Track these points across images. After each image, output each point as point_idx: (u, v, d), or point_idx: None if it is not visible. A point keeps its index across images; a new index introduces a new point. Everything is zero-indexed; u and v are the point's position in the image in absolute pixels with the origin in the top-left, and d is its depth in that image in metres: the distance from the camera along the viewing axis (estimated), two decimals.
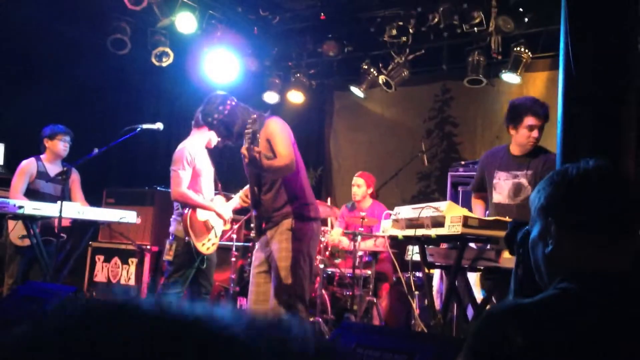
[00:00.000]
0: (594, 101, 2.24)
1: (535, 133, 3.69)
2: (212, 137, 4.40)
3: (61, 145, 4.91)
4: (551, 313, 1.30)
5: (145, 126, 4.42)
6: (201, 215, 4.28)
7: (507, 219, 3.36)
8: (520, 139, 3.74)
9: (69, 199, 4.79)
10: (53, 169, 4.95)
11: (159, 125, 4.47)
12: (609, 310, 1.31)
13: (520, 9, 5.58)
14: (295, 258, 3.47)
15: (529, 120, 3.67)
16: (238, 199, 4.49)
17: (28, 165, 4.89)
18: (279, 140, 3.48)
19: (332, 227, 5.47)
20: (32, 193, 4.81)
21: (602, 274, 1.36)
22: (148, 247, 5.68)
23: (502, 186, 3.82)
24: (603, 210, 1.38)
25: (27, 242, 4.58)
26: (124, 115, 5.68)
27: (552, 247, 1.38)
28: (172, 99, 6.86)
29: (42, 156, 4.97)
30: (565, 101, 2.32)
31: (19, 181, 4.82)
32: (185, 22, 6.07)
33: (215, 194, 4.52)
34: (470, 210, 3.68)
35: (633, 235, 1.42)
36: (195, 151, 4.30)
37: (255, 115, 3.37)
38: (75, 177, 5.02)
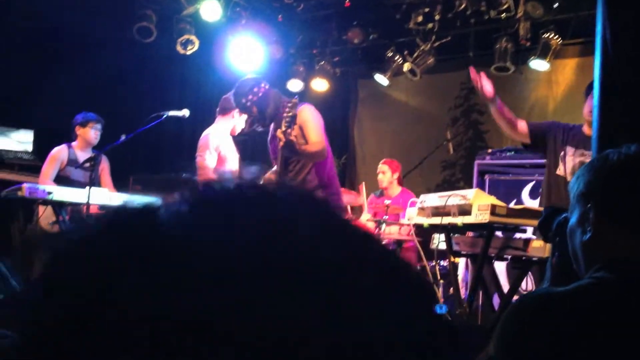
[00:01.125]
0: (631, 88, 2.18)
1: (590, 116, 3.53)
2: (236, 124, 4.41)
3: (92, 132, 4.95)
4: (586, 302, 1.28)
5: (171, 113, 4.44)
6: None
7: (537, 207, 3.31)
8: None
9: (99, 185, 4.84)
10: (83, 156, 4.99)
11: (185, 112, 4.48)
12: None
13: None
14: None
15: (589, 102, 3.35)
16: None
17: (59, 152, 4.94)
18: (312, 126, 3.48)
19: (360, 212, 5.46)
20: (62, 180, 4.87)
21: (637, 263, 1.33)
22: None
23: (569, 161, 3.58)
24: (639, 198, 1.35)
25: (56, 228, 4.64)
26: (150, 103, 5.70)
27: (590, 235, 1.35)
28: (197, 86, 6.87)
29: (73, 143, 5.01)
30: (601, 88, 2.26)
31: (49, 167, 4.88)
32: (210, 9, 6.08)
33: None
34: (497, 199, 3.61)
35: None
36: (220, 138, 4.32)
37: (295, 99, 3.38)
38: (104, 164, 5.07)
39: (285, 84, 6.97)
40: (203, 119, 5.16)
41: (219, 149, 4.29)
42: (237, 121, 4.43)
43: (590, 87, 3.48)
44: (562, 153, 3.57)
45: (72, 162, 4.95)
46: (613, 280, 1.33)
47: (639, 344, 1.21)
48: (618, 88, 2.19)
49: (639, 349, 1.21)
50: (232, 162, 4.44)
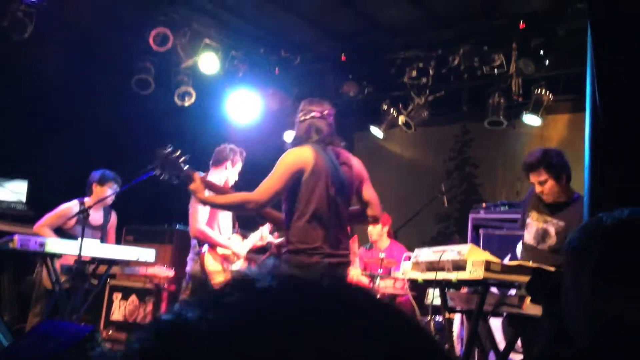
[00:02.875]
0: (621, 147, 2.21)
1: (540, 187, 3.67)
2: (229, 176, 4.42)
3: (109, 192, 4.83)
4: None
5: None
6: (221, 251, 4.28)
7: (530, 264, 3.29)
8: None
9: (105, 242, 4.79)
10: (95, 214, 4.81)
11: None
12: None
13: (541, 52, 5.60)
14: None
15: (532, 178, 3.69)
16: (256, 237, 4.48)
17: (69, 210, 4.75)
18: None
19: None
20: (67, 236, 4.69)
21: (635, 326, 1.32)
22: (165, 285, 5.66)
23: (532, 227, 3.76)
24: (635, 261, 1.35)
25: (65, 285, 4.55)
26: (146, 154, 5.73)
27: (586, 298, 1.34)
28: (194, 138, 6.92)
29: (85, 199, 4.87)
30: (592, 147, 2.29)
31: (55, 219, 4.72)
32: (208, 62, 6.18)
33: (233, 232, 4.52)
34: (492, 253, 3.61)
35: None
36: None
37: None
38: (113, 221, 5.05)
39: (281, 135, 7.03)
40: (199, 170, 5.17)
41: None
42: (229, 172, 4.44)
43: (527, 166, 3.65)
44: (527, 219, 3.72)
45: (80, 219, 4.73)
46: (614, 345, 1.32)
47: None
48: (608, 152, 2.22)
49: None
50: (225, 214, 4.43)
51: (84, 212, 4.34)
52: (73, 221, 4.74)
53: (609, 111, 2.18)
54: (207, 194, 3.46)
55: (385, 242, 5.52)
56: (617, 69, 2.34)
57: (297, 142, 3.34)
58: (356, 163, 3.44)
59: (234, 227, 4.54)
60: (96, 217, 4.86)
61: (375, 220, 3.62)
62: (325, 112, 3.37)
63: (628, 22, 2.35)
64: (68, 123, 5.79)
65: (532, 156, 3.75)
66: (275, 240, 4.53)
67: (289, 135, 7.00)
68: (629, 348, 1.29)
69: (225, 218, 4.44)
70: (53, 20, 5.37)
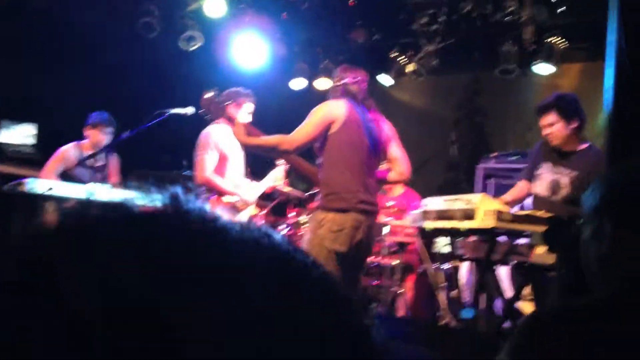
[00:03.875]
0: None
1: (548, 130, 3.70)
2: (240, 117, 4.38)
3: (102, 136, 4.88)
4: (603, 318, 1.26)
5: (174, 111, 4.39)
6: (227, 199, 4.28)
7: (541, 213, 3.29)
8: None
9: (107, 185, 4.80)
10: (96, 159, 4.89)
11: (188, 110, 4.44)
12: None
13: None
14: (311, 251, 3.42)
15: (542, 120, 3.75)
16: (269, 182, 4.48)
17: (67, 152, 4.86)
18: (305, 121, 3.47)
19: None
20: (69, 180, 4.78)
21: None
22: None
23: (544, 179, 3.76)
24: None
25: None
26: (153, 100, 5.67)
27: (606, 249, 1.34)
28: (201, 83, 6.83)
29: (82, 142, 4.94)
30: (615, 96, 2.24)
31: (54, 165, 4.81)
32: (214, 5, 6.05)
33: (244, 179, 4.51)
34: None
35: None
36: (221, 135, 4.29)
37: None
38: (114, 163, 5.04)
39: (288, 82, 6.95)
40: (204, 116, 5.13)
41: (219, 147, 4.27)
42: (241, 117, 4.40)
43: (539, 109, 3.69)
44: (537, 171, 3.74)
45: (81, 162, 4.89)
46: (631, 295, 1.32)
47: None
48: (631, 98, 2.18)
49: None
50: (236, 160, 4.41)
51: (94, 156, 4.35)
52: (74, 164, 4.81)
53: (634, 57, 2.13)
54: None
55: (399, 189, 5.54)
56: None
57: (331, 99, 3.58)
58: (385, 123, 3.67)
59: (245, 174, 4.54)
60: (97, 159, 4.90)
61: (403, 178, 3.77)
62: (359, 78, 3.61)
63: None
64: (75, 68, 5.72)
65: (547, 99, 3.78)
66: (285, 188, 4.53)
67: (296, 83, 6.94)
68: None
69: (236, 164, 4.42)
70: None
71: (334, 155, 3.43)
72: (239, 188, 4.37)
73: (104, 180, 4.40)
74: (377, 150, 3.54)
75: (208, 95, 3.54)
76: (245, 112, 4.32)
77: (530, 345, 1.28)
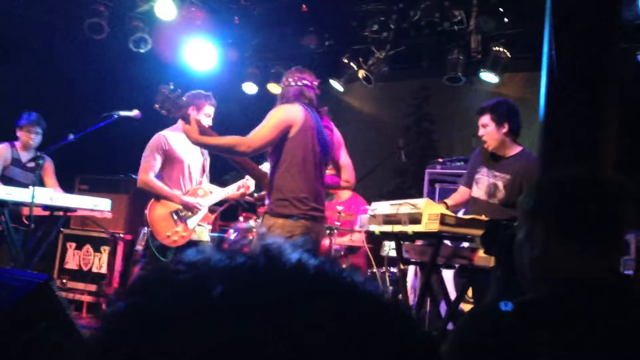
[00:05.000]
0: (575, 104, 2.28)
1: (482, 131, 3.88)
2: (200, 120, 4.32)
3: (28, 136, 4.84)
4: (537, 316, 1.32)
5: (122, 113, 4.34)
6: (167, 204, 4.21)
7: (483, 217, 3.40)
8: None
9: (42, 186, 4.70)
10: (26, 156, 4.87)
11: (135, 113, 4.39)
12: (590, 317, 1.33)
13: (501, 9, 5.63)
14: None
15: (479, 121, 3.92)
16: (232, 189, 4.44)
17: (3, 150, 4.80)
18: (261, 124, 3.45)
19: None
20: (3, 179, 4.71)
21: (584, 280, 1.38)
22: (121, 235, 5.61)
23: (482, 182, 3.89)
24: (587, 219, 1.40)
25: None
26: (100, 102, 5.57)
27: (538, 252, 1.40)
28: (150, 86, 6.74)
29: (16, 143, 4.90)
30: (546, 104, 2.35)
31: None
32: (164, 7, 5.98)
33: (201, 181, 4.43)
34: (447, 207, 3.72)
35: (614, 243, 1.45)
36: (173, 139, 4.24)
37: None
38: (48, 165, 4.94)
39: (240, 87, 6.93)
40: (154, 119, 5.07)
41: (168, 150, 4.21)
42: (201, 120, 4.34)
43: (478, 110, 3.86)
44: (477, 175, 3.85)
45: (15, 161, 4.82)
46: (560, 296, 1.38)
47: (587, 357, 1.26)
48: (561, 105, 2.28)
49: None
50: (192, 165, 4.34)
51: (35, 160, 4.27)
52: (8, 163, 4.75)
53: (562, 68, 2.23)
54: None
55: (346, 194, 5.59)
56: (572, 27, 2.38)
57: (285, 102, 3.53)
58: (336, 130, 3.68)
59: (202, 176, 4.47)
60: (28, 158, 4.85)
61: (349, 185, 3.80)
62: (315, 83, 3.64)
63: None
64: (19, 68, 5.56)
65: (486, 102, 3.94)
66: (235, 192, 4.50)
67: (248, 87, 6.93)
68: (574, 300, 1.36)
69: (193, 169, 4.36)
70: None
71: (287, 160, 3.41)
72: (180, 193, 4.26)
73: (37, 181, 4.30)
74: (327, 157, 3.57)
75: (164, 89, 3.49)
76: (205, 116, 4.28)
77: (470, 345, 1.33)
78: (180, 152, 4.25)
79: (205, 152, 4.41)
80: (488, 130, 3.83)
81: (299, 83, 3.56)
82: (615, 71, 2.46)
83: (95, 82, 6.40)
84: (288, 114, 3.42)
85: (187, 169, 4.31)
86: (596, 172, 1.60)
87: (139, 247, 4.25)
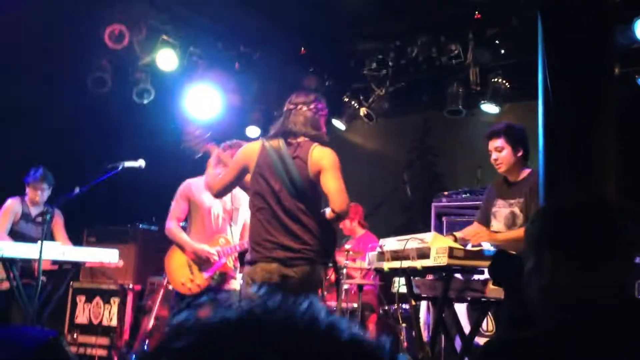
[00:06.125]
0: (572, 133, 2.29)
1: (495, 155, 3.80)
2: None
3: (35, 192, 4.88)
4: (551, 346, 1.30)
5: (127, 164, 4.38)
6: (182, 252, 4.20)
7: (491, 248, 3.36)
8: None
9: (52, 240, 4.72)
10: (35, 210, 4.91)
11: (140, 163, 4.43)
12: (602, 344, 1.31)
13: (497, 41, 5.70)
14: None
15: (490, 144, 3.83)
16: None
17: (13, 205, 4.84)
18: None
19: None
20: (13, 234, 4.73)
21: (596, 304, 1.36)
22: (130, 286, 5.59)
23: (500, 214, 3.82)
24: (597, 241, 1.39)
25: (4, 285, 4.47)
26: (105, 153, 5.63)
27: (547, 280, 1.39)
28: (154, 136, 6.84)
29: (26, 197, 4.93)
30: (545, 130, 2.36)
31: (4, 220, 4.76)
32: (166, 59, 6.10)
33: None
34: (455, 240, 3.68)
35: (624, 266, 1.43)
36: (197, 185, 4.22)
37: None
38: (58, 218, 4.96)
39: (244, 131, 7.00)
40: (159, 169, 5.12)
41: (193, 197, 4.22)
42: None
43: (489, 133, 3.81)
44: (494, 209, 3.80)
45: (25, 216, 4.85)
46: (575, 323, 1.36)
47: None
48: (559, 133, 2.29)
49: None
50: (216, 213, 4.25)
51: (43, 215, 4.30)
52: (18, 218, 4.78)
53: (559, 96, 2.25)
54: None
55: (359, 231, 5.58)
56: (565, 56, 2.41)
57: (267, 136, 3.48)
58: (316, 154, 3.31)
59: (229, 224, 4.33)
60: (37, 212, 4.88)
61: (339, 212, 3.28)
62: (299, 103, 3.39)
63: (576, 10, 2.42)
64: (22, 119, 5.65)
65: (497, 125, 3.90)
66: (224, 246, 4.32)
67: (251, 131, 6.99)
68: (589, 328, 1.34)
69: (221, 216, 4.26)
70: (5, 12, 5.21)
71: (249, 202, 3.38)
72: (199, 243, 4.20)
73: (48, 234, 4.32)
74: (295, 191, 3.27)
75: (193, 128, 3.66)
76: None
77: None
78: (203, 199, 4.21)
79: (238, 200, 4.30)
80: (504, 154, 3.75)
81: (284, 109, 3.44)
82: (612, 95, 2.48)
83: (99, 134, 6.48)
84: (242, 154, 3.41)
85: (212, 216, 4.26)
86: (599, 197, 1.59)
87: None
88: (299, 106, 3.38)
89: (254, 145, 3.38)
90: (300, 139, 3.35)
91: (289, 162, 3.28)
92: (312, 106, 3.40)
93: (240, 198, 4.28)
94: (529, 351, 1.29)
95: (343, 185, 3.32)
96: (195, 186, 4.24)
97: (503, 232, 3.66)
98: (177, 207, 4.22)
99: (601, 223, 1.43)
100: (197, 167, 4.59)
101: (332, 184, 3.27)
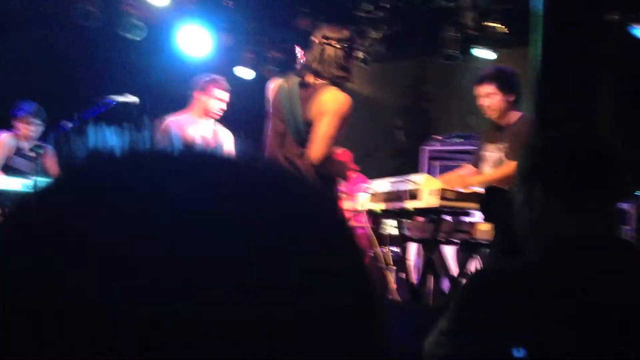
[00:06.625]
0: (569, 67, 2.28)
1: (485, 101, 3.75)
2: (208, 105, 4.26)
3: (27, 128, 4.82)
4: (538, 278, 1.33)
5: (120, 99, 4.32)
6: None
7: (482, 190, 3.39)
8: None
9: (46, 176, 4.70)
10: (28, 145, 4.86)
11: (134, 99, 4.37)
12: (587, 276, 1.33)
13: None
14: None
15: (480, 90, 3.78)
16: None
17: (7, 139, 4.80)
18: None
19: None
20: (6, 169, 4.71)
21: (582, 237, 1.39)
22: None
23: (490, 158, 3.82)
24: (586, 176, 1.40)
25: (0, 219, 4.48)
26: (95, 88, 5.55)
27: (537, 213, 1.40)
28: (145, 73, 6.73)
29: (18, 132, 4.89)
30: (542, 66, 2.35)
31: None
32: None
33: None
34: None
35: (612, 201, 1.45)
36: (179, 122, 4.19)
37: None
38: (50, 154, 4.92)
39: (235, 72, 6.90)
40: (151, 105, 5.06)
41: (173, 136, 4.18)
42: (209, 102, 4.28)
43: (478, 78, 3.75)
44: (482, 152, 3.80)
45: (18, 150, 4.81)
46: (563, 255, 1.38)
47: (586, 318, 1.26)
48: (556, 74, 2.28)
49: (586, 321, 1.26)
50: None
51: (36, 150, 4.28)
52: (12, 153, 4.76)
53: (553, 41, 2.23)
54: None
55: (352, 175, 5.59)
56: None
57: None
58: (326, 97, 3.10)
59: None
60: (29, 147, 4.86)
61: (311, 160, 3.09)
62: (332, 39, 3.14)
63: None
64: (9, 54, 5.53)
65: (487, 70, 3.85)
66: None
67: (242, 71, 6.89)
68: (577, 260, 1.36)
69: None
70: None
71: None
72: None
73: (40, 170, 4.30)
74: (298, 134, 3.14)
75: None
76: (216, 100, 4.23)
77: (471, 301, 1.34)
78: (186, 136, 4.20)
79: (221, 138, 4.30)
80: (495, 100, 3.69)
81: (313, 43, 3.25)
82: (607, 37, 2.46)
83: (89, 69, 6.36)
84: (267, 93, 3.36)
85: None
86: (591, 133, 1.60)
87: None
88: (332, 42, 3.13)
89: (273, 84, 3.30)
90: (320, 81, 3.14)
91: (297, 104, 3.14)
92: (345, 44, 3.17)
93: (224, 134, 4.29)
94: (515, 279, 1.32)
95: (331, 135, 3.05)
96: (176, 124, 4.20)
97: (480, 175, 3.68)
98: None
99: (595, 158, 1.44)
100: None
101: (321, 129, 3.04)
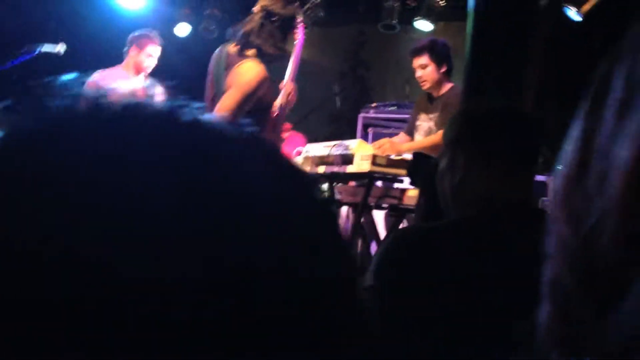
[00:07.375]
0: (499, 39, 2.35)
1: (420, 72, 3.86)
2: (139, 60, 4.18)
3: None
4: (457, 236, 1.39)
5: (44, 48, 4.11)
6: None
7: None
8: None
9: None
10: None
11: (60, 48, 4.17)
12: (503, 236, 1.40)
13: None
14: None
15: (415, 62, 3.90)
16: None
17: None
18: None
19: None
20: None
21: (500, 202, 1.45)
22: None
23: (422, 128, 3.97)
24: (506, 144, 1.47)
25: None
26: (20, 36, 5.26)
27: (459, 178, 1.46)
28: (76, 22, 6.42)
29: None
30: (473, 39, 2.41)
31: None
32: None
33: None
34: None
35: (531, 168, 1.52)
36: (109, 75, 4.08)
37: None
38: None
39: (172, 28, 6.69)
40: (83, 57, 4.86)
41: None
42: (143, 57, 4.20)
43: (413, 50, 3.85)
44: (416, 122, 3.92)
45: None
46: (475, 217, 1.45)
47: (503, 275, 1.33)
48: (487, 46, 2.35)
49: (502, 279, 1.32)
50: None
51: None
52: None
53: (487, 13, 2.29)
54: None
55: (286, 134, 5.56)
56: None
57: None
58: (239, 71, 3.04)
59: None
60: None
61: None
62: (266, 11, 3.06)
63: None
64: None
65: (420, 42, 3.95)
66: None
67: (180, 29, 6.69)
68: (494, 221, 1.43)
69: None
70: None
71: None
72: None
73: None
74: (212, 93, 3.16)
75: None
76: (146, 56, 4.17)
77: (392, 261, 1.38)
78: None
79: (152, 92, 4.22)
80: (428, 70, 3.83)
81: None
82: (539, 13, 2.54)
83: (14, 14, 6.01)
84: None
85: None
86: (516, 105, 1.67)
87: None
88: (273, 18, 3.05)
89: (219, 48, 3.24)
90: (250, 52, 3.07)
91: (221, 71, 3.10)
92: (287, 23, 3.10)
93: (156, 89, 4.20)
94: (434, 236, 1.37)
95: (232, 108, 2.94)
96: (105, 77, 4.08)
97: (411, 143, 3.79)
98: None
99: (517, 128, 1.50)
100: (120, 57, 4.42)
101: (224, 101, 2.97)
